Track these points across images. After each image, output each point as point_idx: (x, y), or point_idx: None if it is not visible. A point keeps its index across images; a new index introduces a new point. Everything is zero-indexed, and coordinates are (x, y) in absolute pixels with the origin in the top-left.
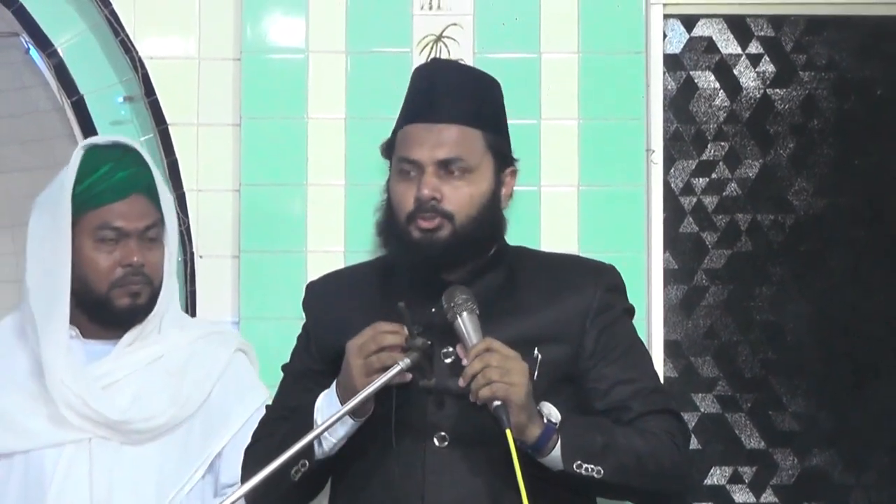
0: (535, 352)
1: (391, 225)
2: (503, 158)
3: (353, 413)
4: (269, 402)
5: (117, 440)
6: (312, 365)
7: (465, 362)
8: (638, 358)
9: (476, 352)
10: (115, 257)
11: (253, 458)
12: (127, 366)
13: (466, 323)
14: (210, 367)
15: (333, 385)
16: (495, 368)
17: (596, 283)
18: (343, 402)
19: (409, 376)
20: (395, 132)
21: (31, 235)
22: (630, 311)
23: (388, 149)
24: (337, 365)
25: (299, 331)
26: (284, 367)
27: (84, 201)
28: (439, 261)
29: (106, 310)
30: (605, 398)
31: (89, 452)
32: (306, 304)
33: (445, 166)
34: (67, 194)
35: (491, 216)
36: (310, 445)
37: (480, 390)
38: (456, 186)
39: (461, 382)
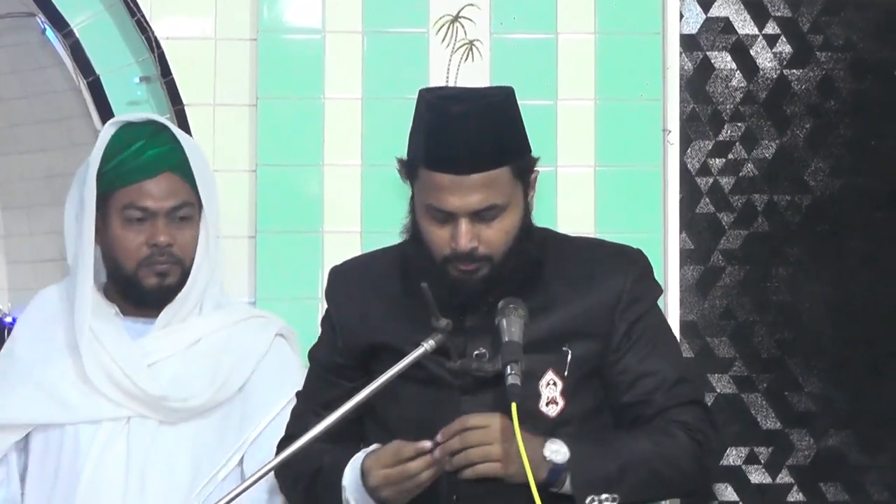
0: (565, 348)
1: (426, 256)
2: (528, 173)
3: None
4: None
5: (155, 419)
6: (339, 359)
7: (438, 438)
8: (664, 348)
9: (452, 431)
10: (142, 237)
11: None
12: (166, 347)
13: (506, 324)
14: (249, 351)
15: (361, 458)
16: (476, 449)
17: (626, 274)
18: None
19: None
20: (412, 161)
21: (66, 211)
22: (658, 295)
23: (409, 171)
24: (365, 361)
25: (319, 313)
26: (311, 355)
27: (113, 179)
28: (480, 297)
29: (135, 289)
30: (630, 391)
31: (127, 432)
32: (331, 294)
33: (478, 213)
34: (93, 172)
35: (525, 236)
36: None
37: (465, 472)
38: (491, 227)
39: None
